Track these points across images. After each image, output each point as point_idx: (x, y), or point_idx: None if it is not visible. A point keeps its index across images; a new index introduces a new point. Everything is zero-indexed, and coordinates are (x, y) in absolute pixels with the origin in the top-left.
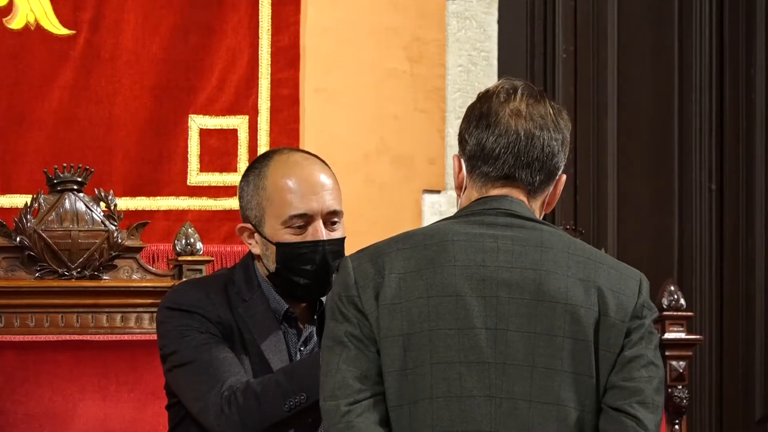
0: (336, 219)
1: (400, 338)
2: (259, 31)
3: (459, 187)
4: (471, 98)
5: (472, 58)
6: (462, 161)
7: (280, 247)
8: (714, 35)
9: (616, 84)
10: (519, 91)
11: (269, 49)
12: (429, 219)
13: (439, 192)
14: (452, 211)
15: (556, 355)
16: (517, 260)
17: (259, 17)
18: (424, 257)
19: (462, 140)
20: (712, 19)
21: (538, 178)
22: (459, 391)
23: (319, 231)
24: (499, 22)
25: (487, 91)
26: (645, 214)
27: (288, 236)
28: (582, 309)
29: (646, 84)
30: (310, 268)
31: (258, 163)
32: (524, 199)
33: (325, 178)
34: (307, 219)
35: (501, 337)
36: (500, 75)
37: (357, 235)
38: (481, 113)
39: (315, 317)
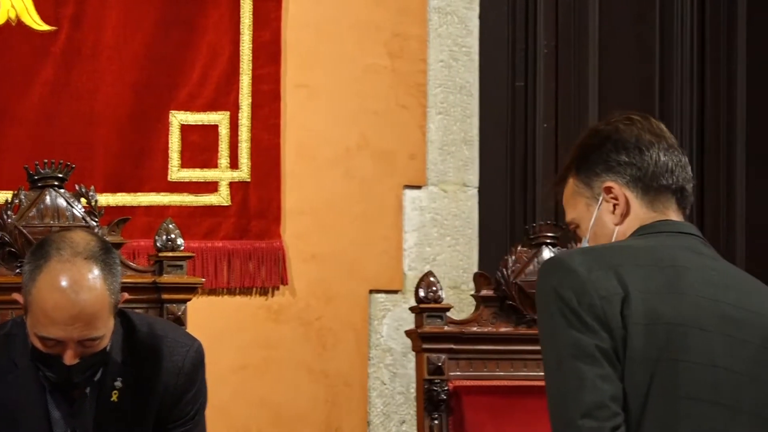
0: (91, 342)
1: (647, 363)
2: (241, 26)
3: (623, 216)
4: (452, 93)
5: (454, 54)
6: (623, 189)
7: (33, 349)
8: (695, 32)
9: (597, 80)
10: (643, 119)
11: (250, 45)
12: (409, 214)
13: (419, 187)
14: (433, 207)
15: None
16: (742, 300)
17: (241, 13)
18: (662, 280)
19: (614, 166)
20: (694, 16)
21: (690, 192)
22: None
23: (67, 357)
24: (481, 17)
25: (608, 124)
26: None
27: (38, 342)
28: None
29: (627, 80)
30: (55, 380)
31: (38, 254)
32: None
33: (83, 307)
34: (56, 340)
35: (736, 380)
36: (481, 70)
37: (337, 230)
38: (631, 137)
39: (95, 379)
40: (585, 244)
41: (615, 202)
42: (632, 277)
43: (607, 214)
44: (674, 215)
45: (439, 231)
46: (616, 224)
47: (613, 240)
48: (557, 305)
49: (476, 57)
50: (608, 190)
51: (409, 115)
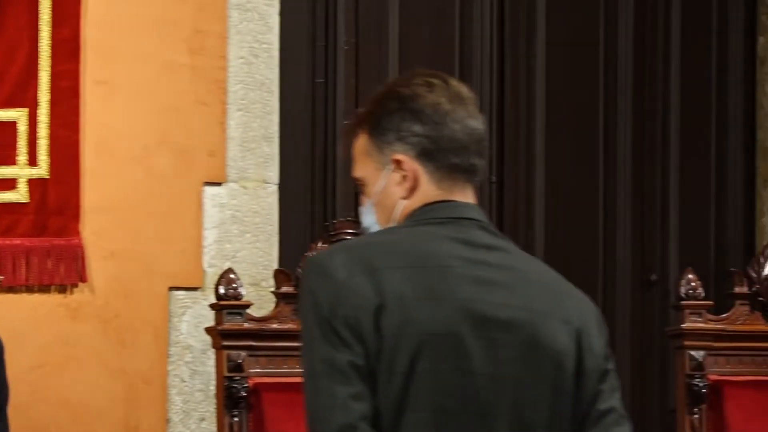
0: None
1: (401, 376)
2: (39, 23)
3: (411, 190)
4: (252, 90)
5: (254, 50)
6: (414, 162)
7: None
8: (495, 28)
9: (397, 76)
10: (444, 83)
11: (49, 42)
12: (209, 211)
13: (219, 184)
14: (233, 204)
15: (539, 407)
16: (509, 297)
17: (39, 9)
18: (423, 284)
19: (407, 137)
20: (493, 12)
21: (483, 166)
22: None
23: None
24: (281, 14)
25: (407, 86)
26: None
27: None
28: (565, 357)
29: None
30: None
31: None
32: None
33: None
34: None
35: (495, 385)
36: (282, 67)
37: (136, 227)
38: (427, 107)
39: None
40: (369, 207)
41: (404, 173)
42: (392, 282)
43: (394, 186)
44: (460, 195)
45: (239, 228)
46: (403, 198)
47: (397, 212)
48: (314, 313)
49: (276, 53)
50: (398, 162)
51: (208, 111)
